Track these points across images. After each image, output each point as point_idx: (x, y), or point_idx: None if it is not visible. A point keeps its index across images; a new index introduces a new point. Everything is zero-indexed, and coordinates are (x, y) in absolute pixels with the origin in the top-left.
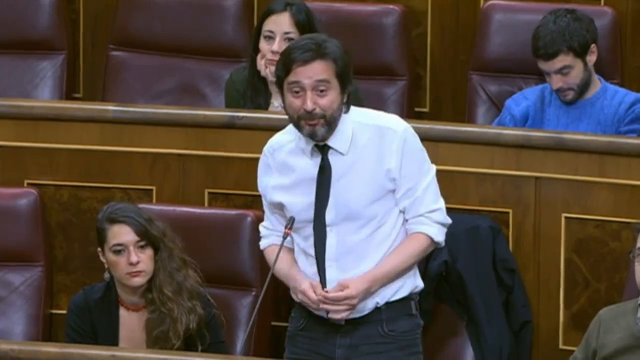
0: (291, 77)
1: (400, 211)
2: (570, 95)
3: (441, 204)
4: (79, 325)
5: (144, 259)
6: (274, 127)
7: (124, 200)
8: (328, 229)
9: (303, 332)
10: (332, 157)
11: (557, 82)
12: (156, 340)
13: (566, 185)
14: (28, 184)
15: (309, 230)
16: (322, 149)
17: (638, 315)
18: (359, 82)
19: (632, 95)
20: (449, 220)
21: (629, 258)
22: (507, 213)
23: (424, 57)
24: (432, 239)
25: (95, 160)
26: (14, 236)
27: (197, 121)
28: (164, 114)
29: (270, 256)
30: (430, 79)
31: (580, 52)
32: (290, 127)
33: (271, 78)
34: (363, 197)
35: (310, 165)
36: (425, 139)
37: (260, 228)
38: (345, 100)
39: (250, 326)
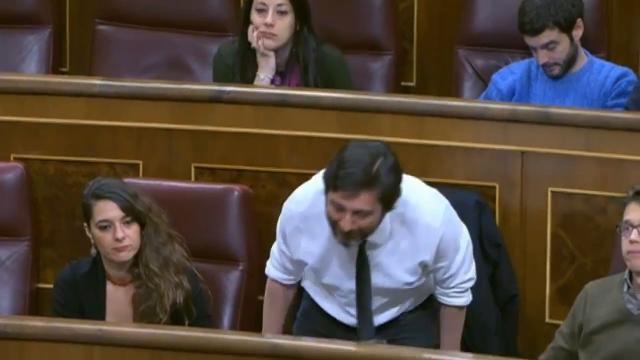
0: (333, 197)
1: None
2: (556, 70)
3: (473, 272)
4: (66, 299)
5: (130, 235)
6: (261, 102)
7: (110, 175)
8: None
9: (318, 308)
10: (368, 248)
11: (543, 57)
12: (143, 315)
13: (553, 159)
14: (14, 158)
15: (345, 292)
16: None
17: (624, 290)
18: (347, 58)
19: (619, 70)
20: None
21: (616, 232)
22: (494, 188)
23: (410, 32)
24: (464, 307)
25: (81, 134)
26: (0, 211)
27: (184, 96)
28: (151, 89)
29: (267, 293)
30: (417, 53)
31: (567, 27)
32: (317, 192)
33: (262, 50)
34: (400, 281)
35: (344, 251)
36: (412, 113)
37: (273, 254)
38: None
39: (236, 300)
